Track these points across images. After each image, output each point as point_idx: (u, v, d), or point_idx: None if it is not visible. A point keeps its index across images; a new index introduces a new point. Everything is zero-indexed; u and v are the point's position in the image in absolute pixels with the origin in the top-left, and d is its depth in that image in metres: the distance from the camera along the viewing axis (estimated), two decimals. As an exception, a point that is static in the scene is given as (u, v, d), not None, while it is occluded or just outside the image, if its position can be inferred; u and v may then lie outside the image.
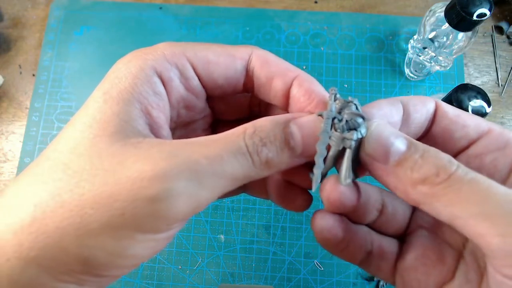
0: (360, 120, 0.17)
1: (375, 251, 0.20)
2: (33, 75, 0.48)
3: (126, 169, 0.15)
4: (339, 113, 0.18)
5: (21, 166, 0.44)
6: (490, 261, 0.15)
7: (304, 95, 0.19)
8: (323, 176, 0.18)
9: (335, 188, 0.18)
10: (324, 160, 0.18)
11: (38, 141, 0.45)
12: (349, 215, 0.20)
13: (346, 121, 0.17)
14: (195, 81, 0.20)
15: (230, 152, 0.16)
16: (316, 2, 0.50)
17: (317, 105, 0.19)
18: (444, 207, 0.15)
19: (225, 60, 0.20)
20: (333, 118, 0.18)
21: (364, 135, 0.17)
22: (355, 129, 0.17)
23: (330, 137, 0.18)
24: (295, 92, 0.19)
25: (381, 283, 0.39)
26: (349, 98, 0.18)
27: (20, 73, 0.48)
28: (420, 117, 0.19)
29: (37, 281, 0.15)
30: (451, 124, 0.19)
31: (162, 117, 0.19)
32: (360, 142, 0.17)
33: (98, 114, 0.17)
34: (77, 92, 0.47)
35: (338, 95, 0.18)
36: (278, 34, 0.48)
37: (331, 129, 0.18)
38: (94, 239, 0.15)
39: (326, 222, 0.19)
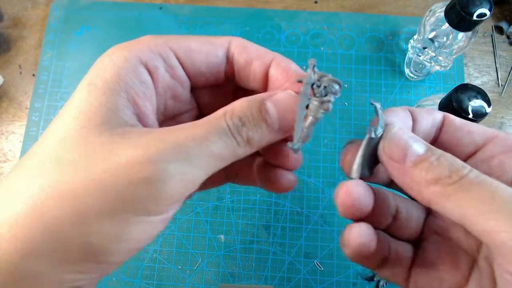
0: (337, 86, 0.19)
1: (392, 256, 0.21)
2: (33, 75, 0.48)
3: (117, 156, 0.16)
4: (318, 81, 0.19)
5: (21, 166, 0.44)
6: (497, 259, 0.15)
7: (282, 73, 0.20)
8: (300, 148, 0.19)
9: (349, 192, 0.18)
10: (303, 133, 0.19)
11: (38, 141, 0.45)
12: (365, 220, 0.20)
13: (325, 86, 0.18)
14: (180, 70, 0.20)
15: (215, 133, 0.17)
16: (316, 2, 0.50)
17: (294, 82, 0.20)
18: (454, 206, 0.16)
19: (206, 48, 0.20)
20: (312, 84, 0.19)
21: (378, 134, 0.18)
22: (334, 93, 0.18)
23: (308, 105, 0.18)
24: (272, 72, 0.20)
25: (381, 283, 0.39)
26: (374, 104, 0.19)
27: (20, 73, 0.48)
28: (427, 124, 0.20)
29: (38, 273, 0.15)
30: (458, 130, 0.20)
31: (149, 106, 0.19)
32: (377, 142, 0.19)
33: (84, 105, 0.17)
34: (77, 92, 0.47)
35: (316, 68, 0.19)
36: (278, 34, 0.48)
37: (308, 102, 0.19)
38: (93, 225, 0.15)
39: (362, 237, 0.18)
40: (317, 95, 0.19)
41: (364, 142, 0.19)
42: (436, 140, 0.20)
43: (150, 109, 0.19)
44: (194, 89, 0.22)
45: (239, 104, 0.18)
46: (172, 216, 0.18)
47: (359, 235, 0.18)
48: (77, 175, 0.16)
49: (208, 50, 0.20)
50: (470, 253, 0.19)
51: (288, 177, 0.22)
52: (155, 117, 0.20)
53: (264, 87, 0.21)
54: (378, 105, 0.19)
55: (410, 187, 0.17)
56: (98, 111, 0.17)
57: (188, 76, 0.21)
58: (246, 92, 0.23)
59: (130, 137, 0.17)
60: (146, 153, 0.16)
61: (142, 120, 0.19)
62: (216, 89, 0.23)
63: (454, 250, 0.20)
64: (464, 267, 0.19)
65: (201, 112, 0.24)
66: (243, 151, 0.18)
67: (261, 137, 0.18)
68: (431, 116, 0.20)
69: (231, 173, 0.24)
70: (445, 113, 0.20)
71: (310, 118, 0.19)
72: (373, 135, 0.18)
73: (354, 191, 0.18)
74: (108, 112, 0.17)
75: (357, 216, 0.19)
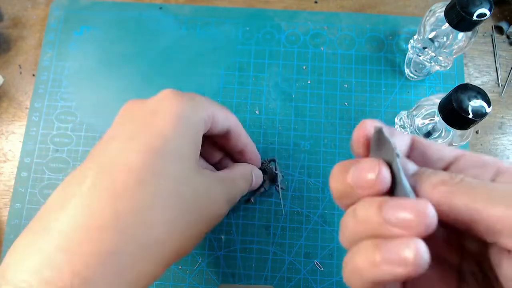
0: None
1: None
2: (33, 75, 0.48)
3: (210, 194, 0.28)
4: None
5: (21, 166, 0.44)
6: (506, 243, 0.15)
7: (248, 158, 0.37)
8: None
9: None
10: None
11: (38, 141, 0.45)
12: None
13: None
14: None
15: (241, 178, 0.35)
16: (316, 2, 0.50)
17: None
18: (462, 200, 0.16)
19: (224, 120, 0.30)
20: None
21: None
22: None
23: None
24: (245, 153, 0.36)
25: (381, 283, 0.39)
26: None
27: (20, 73, 0.48)
28: (403, 144, 0.20)
29: None
30: (427, 148, 0.20)
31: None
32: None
33: (191, 153, 0.26)
34: (77, 92, 0.47)
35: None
36: (278, 34, 0.48)
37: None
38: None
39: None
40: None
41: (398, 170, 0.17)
42: (409, 158, 0.21)
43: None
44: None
45: (250, 169, 0.37)
46: None
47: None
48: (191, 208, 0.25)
49: (225, 122, 0.31)
50: (455, 268, 0.20)
51: None
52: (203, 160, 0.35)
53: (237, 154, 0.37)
54: (385, 130, 0.18)
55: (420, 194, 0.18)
56: (195, 156, 0.26)
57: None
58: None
59: (205, 177, 0.27)
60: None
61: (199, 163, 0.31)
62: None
63: (442, 265, 0.20)
64: (452, 282, 0.19)
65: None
66: (248, 187, 0.37)
67: (253, 183, 0.37)
68: (402, 136, 0.21)
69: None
70: (413, 135, 0.21)
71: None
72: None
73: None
74: (199, 160, 0.29)
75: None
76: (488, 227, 0.16)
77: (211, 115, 0.27)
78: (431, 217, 0.15)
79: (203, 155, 0.35)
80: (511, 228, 0.15)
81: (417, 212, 0.15)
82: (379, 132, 0.18)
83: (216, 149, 0.36)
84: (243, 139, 0.33)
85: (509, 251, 0.16)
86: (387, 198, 0.16)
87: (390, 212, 0.16)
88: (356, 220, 0.17)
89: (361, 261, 0.16)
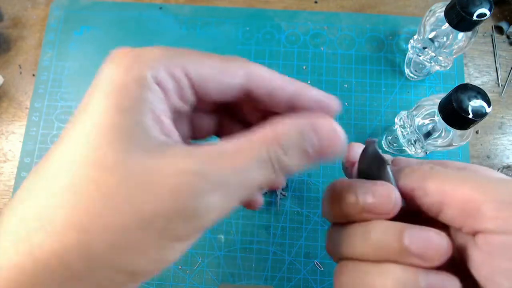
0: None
1: None
2: (33, 75, 0.48)
3: (160, 185, 0.16)
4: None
5: (21, 166, 0.44)
6: (479, 225, 0.17)
7: (313, 103, 0.20)
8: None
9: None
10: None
11: (38, 141, 0.45)
12: None
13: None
14: (188, 91, 0.20)
15: (255, 163, 0.17)
16: (316, 2, 0.50)
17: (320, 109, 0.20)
18: (434, 185, 0.18)
19: (219, 75, 0.19)
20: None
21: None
22: None
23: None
24: (301, 102, 0.20)
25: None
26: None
27: (20, 73, 0.48)
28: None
29: None
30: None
31: (170, 122, 0.19)
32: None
33: (117, 126, 0.16)
34: (77, 92, 0.47)
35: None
36: (278, 34, 0.48)
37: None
38: (143, 254, 0.16)
39: None
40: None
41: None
42: None
43: (171, 126, 0.19)
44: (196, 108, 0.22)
45: (283, 132, 0.17)
46: None
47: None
48: (123, 208, 0.15)
49: (221, 78, 0.20)
50: None
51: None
52: (177, 134, 0.19)
53: (285, 111, 0.21)
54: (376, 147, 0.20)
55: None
56: (134, 132, 0.16)
57: (197, 97, 0.20)
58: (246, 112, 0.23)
59: (168, 163, 0.16)
60: (190, 186, 0.16)
61: (168, 137, 0.18)
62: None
63: None
64: None
65: (193, 127, 0.24)
66: (273, 180, 0.18)
67: (297, 167, 0.18)
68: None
69: None
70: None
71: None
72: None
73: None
74: (143, 132, 0.17)
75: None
76: (456, 208, 0.17)
77: (177, 73, 0.19)
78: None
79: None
80: (475, 209, 0.17)
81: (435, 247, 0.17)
82: (370, 145, 0.20)
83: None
84: (276, 84, 0.20)
85: (474, 234, 0.17)
86: (406, 225, 0.18)
87: (411, 240, 0.17)
88: (370, 243, 0.18)
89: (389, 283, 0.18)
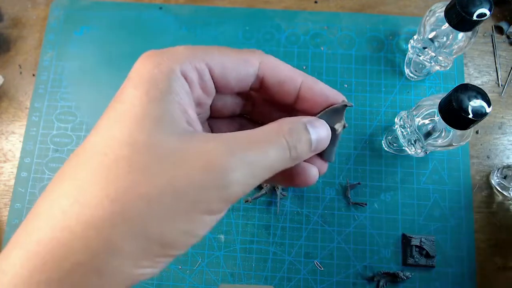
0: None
1: None
2: (33, 75, 0.48)
3: (192, 162, 0.18)
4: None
5: (21, 166, 0.44)
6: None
7: (316, 96, 0.24)
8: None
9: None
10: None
11: (38, 141, 0.45)
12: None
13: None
14: (211, 84, 0.22)
15: (274, 147, 0.20)
16: (316, 2, 0.50)
17: (322, 104, 0.24)
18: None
19: (239, 65, 0.23)
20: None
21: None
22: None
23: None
24: (305, 94, 0.24)
25: (381, 283, 0.39)
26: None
27: (20, 73, 0.48)
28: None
29: (122, 271, 0.17)
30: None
31: (195, 115, 0.21)
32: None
33: (148, 113, 0.18)
34: (77, 92, 0.47)
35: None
36: (278, 34, 0.48)
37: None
38: (174, 224, 0.17)
39: None
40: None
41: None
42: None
43: (196, 117, 0.21)
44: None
45: (293, 125, 0.21)
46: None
47: None
48: (156, 180, 0.17)
49: (240, 68, 0.23)
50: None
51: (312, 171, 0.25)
52: (200, 127, 0.22)
53: (292, 103, 0.25)
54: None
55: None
56: (163, 119, 0.18)
57: (217, 88, 0.23)
58: (256, 100, 0.26)
59: (198, 145, 0.18)
60: (219, 162, 0.18)
61: (194, 128, 0.20)
62: (231, 97, 0.26)
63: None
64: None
65: (212, 114, 0.26)
66: (290, 163, 0.21)
67: (306, 155, 0.22)
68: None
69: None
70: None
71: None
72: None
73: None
74: (172, 121, 0.19)
75: None
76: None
77: (200, 66, 0.21)
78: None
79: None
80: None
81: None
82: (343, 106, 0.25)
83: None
84: (286, 75, 0.24)
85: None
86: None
87: None
88: None
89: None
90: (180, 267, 0.41)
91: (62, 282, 0.16)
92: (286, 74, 0.23)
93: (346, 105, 0.24)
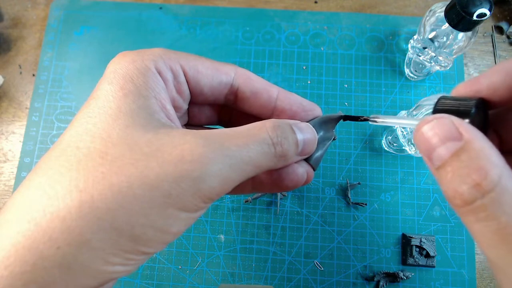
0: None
1: None
2: (33, 75, 0.48)
3: (166, 154, 0.17)
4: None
5: (21, 166, 0.44)
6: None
7: (292, 106, 0.24)
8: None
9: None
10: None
11: (38, 141, 0.45)
12: None
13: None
14: (185, 86, 0.22)
15: (256, 142, 0.19)
16: (316, 2, 0.50)
17: (300, 113, 0.24)
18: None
19: (212, 73, 0.23)
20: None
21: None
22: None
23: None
24: (281, 104, 0.24)
25: (381, 283, 0.39)
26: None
27: (20, 73, 0.48)
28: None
29: (89, 266, 0.16)
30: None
31: (173, 111, 0.21)
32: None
33: (123, 107, 0.18)
34: (77, 92, 0.47)
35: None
36: (278, 34, 0.48)
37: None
38: (145, 218, 0.16)
39: None
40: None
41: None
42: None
43: (174, 113, 0.21)
44: (191, 102, 0.25)
45: (278, 123, 0.21)
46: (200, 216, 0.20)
47: None
48: (128, 170, 0.16)
49: (213, 75, 0.23)
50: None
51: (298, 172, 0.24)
52: (179, 122, 0.22)
53: (269, 115, 0.25)
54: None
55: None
56: (139, 113, 0.18)
57: (191, 93, 0.23)
58: (234, 110, 0.26)
59: (174, 136, 0.18)
60: (195, 153, 0.17)
61: (174, 124, 0.20)
62: (208, 106, 0.26)
63: None
64: None
65: (189, 121, 0.26)
66: (275, 164, 0.20)
67: (292, 155, 0.21)
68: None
69: (256, 182, 0.25)
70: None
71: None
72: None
73: None
74: (147, 115, 0.18)
75: None
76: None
77: (175, 67, 0.21)
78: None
79: None
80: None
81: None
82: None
83: None
84: (258, 88, 0.24)
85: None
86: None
87: None
88: None
89: None
90: (180, 267, 0.41)
91: (25, 276, 0.15)
92: (260, 85, 0.24)
93: (341, 116, 0.25)
